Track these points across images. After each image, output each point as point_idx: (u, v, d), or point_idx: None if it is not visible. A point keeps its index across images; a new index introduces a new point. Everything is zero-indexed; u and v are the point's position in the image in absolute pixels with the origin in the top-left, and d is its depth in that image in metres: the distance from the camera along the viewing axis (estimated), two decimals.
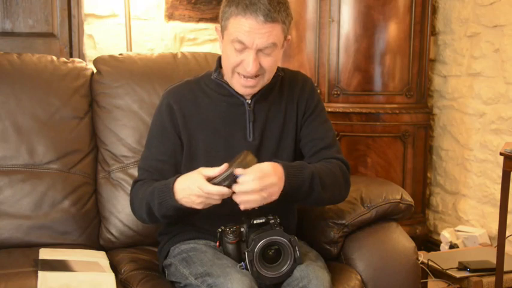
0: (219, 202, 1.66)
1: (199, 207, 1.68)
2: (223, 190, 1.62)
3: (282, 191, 1.68)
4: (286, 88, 1.94)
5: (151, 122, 1.95)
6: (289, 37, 1.84)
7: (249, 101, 1.88)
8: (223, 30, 1.80)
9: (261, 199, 1.63)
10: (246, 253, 1.67)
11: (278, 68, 1.92)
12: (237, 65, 1.77)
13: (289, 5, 1.80)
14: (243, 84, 1.80)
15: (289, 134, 1.91)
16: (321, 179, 1.77)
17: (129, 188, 2.15)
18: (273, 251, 1.70)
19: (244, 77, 1.78)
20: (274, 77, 1.90)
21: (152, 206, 1.77)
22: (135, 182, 1.90)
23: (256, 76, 1.78)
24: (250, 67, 1.74)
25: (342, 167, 1.87)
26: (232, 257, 1.75)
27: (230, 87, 1.88)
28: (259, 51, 1.74)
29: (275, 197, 1.66)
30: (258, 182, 1.60)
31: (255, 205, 1.64)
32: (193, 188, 1.65)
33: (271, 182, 1.63)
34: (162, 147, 1.88)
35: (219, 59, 1.93)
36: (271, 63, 1.78)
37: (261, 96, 1.89)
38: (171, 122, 1.87)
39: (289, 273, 1.70)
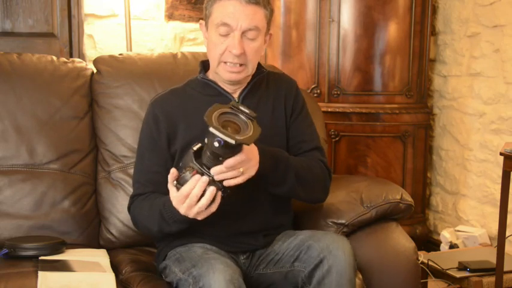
0: (206, 201, 1.64)
1: (200, 217, 1.68)
2: (183, 191, 1.63)
3: (259, 169, 1.69)
4: (272, 85, 1.96)
5: (141, 132, 1.95)
6: (271, 32, 1.89)
7: (237, 99, 1.89)
8: (207, 19, 1.84)
9: (239, 174, 1.64)
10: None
11: (261, 64, 1.94)
12: (223, 53, 1.80)
13: None
14: (228, 70, 1.82)
15: (278, 132, 1.92)
16: (297, 169, 1.81)
17: (129, 188, 2.16)
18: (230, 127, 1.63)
19: (230, 63, 1.81)
20: (259, 72, 1.92)
21: (165, 225, 1.77)
22: (134, 196, 1.90)
23: (240, 65, 1.81)
24: (235, 48, 1.77)
25: (323, 169, 1.92)
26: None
27: (217, 85, 1.89)
28: (243, 35, 1.78)
29: (252, 170, 1.67)
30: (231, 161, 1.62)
31: (236, 182, 1.64)
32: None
33: (241, 159, 1.63)
34: (154, 159, 1.89)
35: (202, 62, 1.95)
36: (254, 50, 1.81)
37: (248, 93, 1.91)
38: (158, 132, 1.88)
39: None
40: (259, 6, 1.79)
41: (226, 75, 1.83)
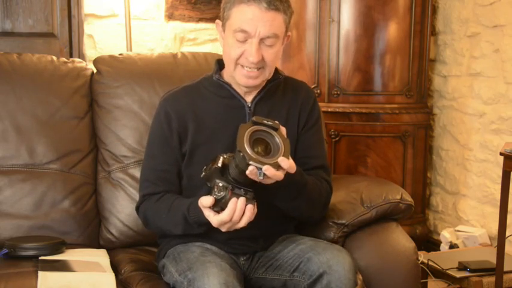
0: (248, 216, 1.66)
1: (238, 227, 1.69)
2: (224, 217, 1.63)
3: (280, 182, 1.66)
4: (289, 93, 1.93)
5: (150, 130, 1.94)
6: (289, 33, 1.85)
7: (250, 104, 1.87)
8: (224, 21, 1.80)
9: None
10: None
11: (278, 70, 1.92)
12: (239, 57, 1.77)
13: None
14: (245, 75, 1.79)
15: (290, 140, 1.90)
16: (309, 190, 1.80)
17: (130, 188, 2.17)
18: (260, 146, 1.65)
19: (247, 68, 1.78)
20: (275, 78, 1.89)
21: (190, 229, 1.78)
22: (145, 195, 1.89)
23: (258, 69, 1.78)
24: (253, 56, 1.74)
25: (328, 193, 1.91)
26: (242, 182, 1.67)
27: (232, 88, 1.87)
28: (261, 41, 1.75)
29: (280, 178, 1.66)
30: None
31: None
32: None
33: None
34: (164, 157, 1.87)
35: (218, 61, 1.92)
36: (272, 56, 1.78)
37: (261, 98, 1.88)
38: (170, 130, 1.86)
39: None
40: (279, 12, 1.75)
41: (243, 80, 1.80)
